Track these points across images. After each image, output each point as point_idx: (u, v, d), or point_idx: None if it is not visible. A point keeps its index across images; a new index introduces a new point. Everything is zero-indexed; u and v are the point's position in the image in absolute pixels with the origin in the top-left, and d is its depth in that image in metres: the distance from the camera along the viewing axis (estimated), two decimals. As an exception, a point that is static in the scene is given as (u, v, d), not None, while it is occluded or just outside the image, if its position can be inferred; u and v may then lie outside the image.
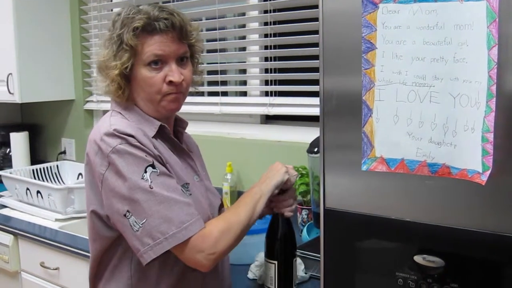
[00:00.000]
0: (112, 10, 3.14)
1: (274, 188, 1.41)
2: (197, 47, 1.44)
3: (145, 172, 1.27)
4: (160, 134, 1.39)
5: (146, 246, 1.25)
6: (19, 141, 3.16)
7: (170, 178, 1.30)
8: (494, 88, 0.94)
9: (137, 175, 1.26)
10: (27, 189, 2.59)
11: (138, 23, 1.30)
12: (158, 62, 1.33)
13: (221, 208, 1.54)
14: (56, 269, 2.22)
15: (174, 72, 1.34)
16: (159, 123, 1.38)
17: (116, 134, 1.28)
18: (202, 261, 1.27)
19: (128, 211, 1.26)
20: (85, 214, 2.41)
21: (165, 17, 1.32)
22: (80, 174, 2.95)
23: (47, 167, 3.00)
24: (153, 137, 1.35)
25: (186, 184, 1.37)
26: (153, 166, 1.28)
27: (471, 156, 0.98)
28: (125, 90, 1.36)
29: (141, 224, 1.25)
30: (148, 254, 1.25)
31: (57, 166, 3.05)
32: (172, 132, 1.46)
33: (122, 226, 1.29)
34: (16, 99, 3.01)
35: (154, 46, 1.32)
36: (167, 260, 1.33)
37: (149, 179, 1.26)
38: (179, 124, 1.51)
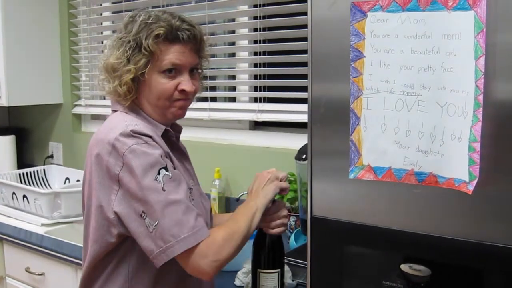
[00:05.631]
0: (101, 14, 3.13)
1: (268, 202, 1.42)
2: (206, 61, 1.49)
3: (158, 174, 1.27)
4: (164, 138, 1.39)
5: (159, 248, 1.25)
6: (6, 145, 3.14)
7: (182, 183, 1.30)
8: (481, 97, 0.95)
9: (150, 176, 1.26)
10: (13, 193, 2.57)
11: (160, 30, 1.32)
12: (172, 70, 1.36)
13: (210, 213, 1.54)
14: (41, 274, 2.20)
15: (187, 82, 1.37)
16: (163, 127, 1.40)
17: (132, 134, 1.29)
18: (205, 269, 1.27)
19: (143, 211, 1.26)
20: (71, 219, 2.43)
21: (187, 28, 1.35)
22: (67, 178, 2.93)
23: (34, 171, 2.98)
24: None
25: (190, 189, 1.37)
26: (166, 169, 1.28)
27: (458, 165, 0.99)
28: (134, 93, 1.36)
29: (155, 226, 1.25)
30: (161, 257, 1.25)
31: (44, 170, 3.03)
32: None
33: (138, 226, 1.27)
34: (4, 102, 2.98)
35: (173, 55, 1.34)
36: (164, 268, 1.32)
37: (161, 181, 1.26)
38: (175, 129, 1.51)
